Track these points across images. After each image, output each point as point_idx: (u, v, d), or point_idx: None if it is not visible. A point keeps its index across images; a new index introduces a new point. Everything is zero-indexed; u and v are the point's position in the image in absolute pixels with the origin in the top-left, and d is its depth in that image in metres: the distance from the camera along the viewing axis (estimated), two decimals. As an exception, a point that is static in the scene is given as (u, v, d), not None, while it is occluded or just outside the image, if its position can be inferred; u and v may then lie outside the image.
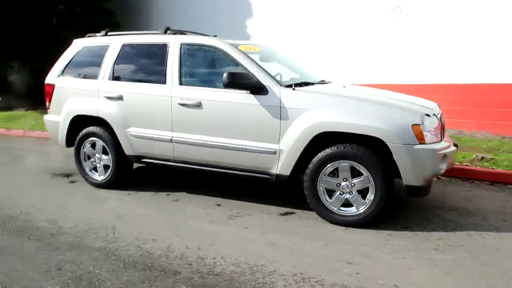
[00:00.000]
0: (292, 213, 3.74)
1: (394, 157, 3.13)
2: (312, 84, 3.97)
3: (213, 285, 2.50)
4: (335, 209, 3.41)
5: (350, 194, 3.35)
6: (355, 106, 3.36)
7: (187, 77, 3.97)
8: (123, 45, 4.32)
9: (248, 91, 3.57)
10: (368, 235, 3.22)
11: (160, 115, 4.01)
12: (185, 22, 11.86)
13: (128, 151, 4.27)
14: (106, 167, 4.50)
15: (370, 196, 3.27)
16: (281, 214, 3.71)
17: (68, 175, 5.13)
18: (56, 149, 6.79)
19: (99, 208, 3.94)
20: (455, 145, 3.59)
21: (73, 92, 4.54)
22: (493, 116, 6.63)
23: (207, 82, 4.03)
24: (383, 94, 3.98)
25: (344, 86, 4.10)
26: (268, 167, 3.62)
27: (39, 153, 6.80)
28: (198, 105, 3.81)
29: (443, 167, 3.23)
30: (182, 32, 4.20)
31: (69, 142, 4.66)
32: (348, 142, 3.31)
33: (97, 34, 4.71)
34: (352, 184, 3.33)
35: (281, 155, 3.52)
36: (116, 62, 4.32)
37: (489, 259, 2.81)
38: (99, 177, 4.54)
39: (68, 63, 4.67)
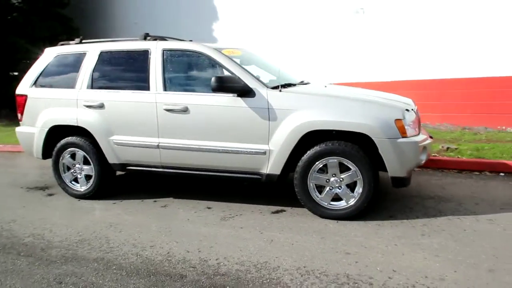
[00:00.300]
0: (282, 210, 3.85)
1: (380, 150, 3.33)
2: (295, 85, 4.10)
3: (222, 285, 2.54)
4: (326, 204, 3.56)
5: (339, 189, 3.51)
6: (340, 105, 3.53)
7: (171, 83, 3.95)
8: (101, 52, 4.23)
9: (235, 94, 3.64)
10: (359, 226, 3.40)
11: (145, 121, 3.97)
12: (149, 26, 11.71)
13: (111, 159, 4.18)
14: (87, 177, 4.38)
15: (358, 189, 3.45)
16: (273, 213, 3.81)
17: (43, 188, 4.93)
18: (26, 162, 6.56)
19: (86, 219, 3.82)
20: (431, 137, 3.87)
21: (48, 102, 4.38)
22: (454, 109, 7.14)
23: (192, 87, 4.05)
24: (363, 92, 4.19)
25: (325, 86, 4.27)
26: (258, 167, 3.71)
27: (7, 167, 6.43)
28: (185, 110, 3.82)
29: (423, 158, 3.48)
30: (162, 38, 4.18)
31: (46, 153, 4.50)
32: (335, 139, 3.49)
33: (71, 42, 4.57)
34: (341, 179, 3.49)
35: (271, 155, 3.62)
36: (95, 70, 4.22)
37: (469, 240, 3.06)
38: (80, 187, 4.41)
39: (41, 72, 4.49)
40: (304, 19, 8.40)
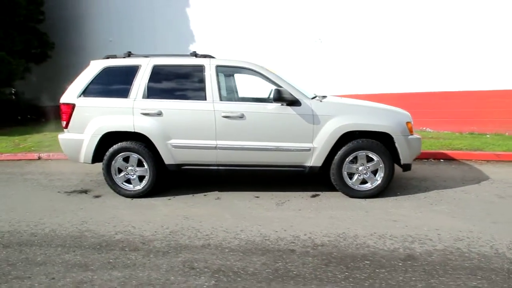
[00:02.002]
0: (317, 195, 4.04)
1: (396, 145, 3.76)
2: (326, 96, 4.32)
3: (329, 252, 2.66)
4: (356, 187, 3.88)
5: (366, 175, 3.86)
6: (367, 111, 3.89)
7: (225, 94, 3.90)
8: (154, 65, 3.95)
9: (285, 103, 3.76)
10: (384, 201, 3.77)
11: (204, 126, 3.84)
12: (125, 45, 10.85)
13: (168, 160, 3.93)
14: (140, 178, 4.04)
15: (380, 175, 3.83)
16: (311, 197, 3.99)
17: (83, 192, 4.36)
18: (40, 168, 5.68)
19: (158, 214, 3.53)
20: (418, 135, 4.46)
21: (100, 111, 3.93)
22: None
23: (244, 97, 4.02)
24: (373, 103, 4.47)
25: (341, 98, 4.58)
26: (303, 161, 3.87)
27: (27, 174, 5.45)
28: (241, 116, 3.80)
29: (420, 150, 4.02)
30: (210, 56, 4.08)
31: (95, 158, 4.03)
32: (360, 138, 3.82)
33: (118, 56, 4.16)
34: (367, 167, 3.84)
35: (314, 151, 3.81)
36: (149, 81, 3.93)
37: (464, 205, 3.59)
38: (134, 187, 4.04)
39: (89, 83, 4.00)
40: (273, 45, 8.68)
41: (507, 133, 6.81)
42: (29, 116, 11.65)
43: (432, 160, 5.63)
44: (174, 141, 3.89)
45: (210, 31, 9.53)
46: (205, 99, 3.86)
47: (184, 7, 9.67)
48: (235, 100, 3.91)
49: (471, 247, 2.70)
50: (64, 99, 4.04)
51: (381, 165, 3.80)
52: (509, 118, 6.95)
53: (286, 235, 2.99)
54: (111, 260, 2.61)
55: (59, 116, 4.22)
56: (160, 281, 2.33)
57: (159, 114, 3.85)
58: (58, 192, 4.40)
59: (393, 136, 3.74)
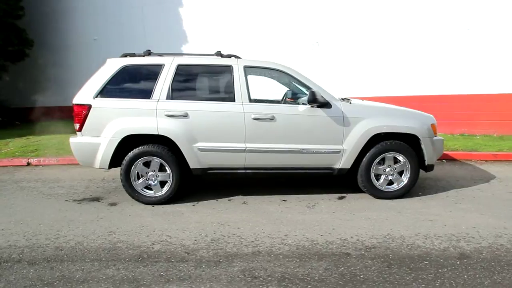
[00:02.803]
0: (343, 197, 4.03)
1: (422, 146, 3.85)
2: (349, 99, 4.29)
3: (384, 254, 2.64)
4: (383, 188, 3.91)
5: (392, 176, 3.91)
6: (395, 114, 3.95)
7: (254, 95, 3.78)
8: (178, 65, 3.75)
9: (315, 105, 3.72)
10: (411, 202, 3.84)
11: (233, 128, 3.70)
12: (113, 44, 10.34)
13: (194, 165, 3.74)
14: (161, 183, 3.81)
15: (406, 175, 3.89)
16: (338, 199, 3.97)
17: (95, 199, 4.04)
18: (33, 175, 5.23)
19: (190, 222, 3.33)
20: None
21: (120, 112, 3.67)
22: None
23: (273, 98, 3.92)
24: (396, 106, 4.47)
25: (363, 100, 4.60)
26: (332, 163, 3.84)
27: (21, 182, 4.94)
28: (272, 118, 3.70)
29: (443, 151, 4.14)
30: (236, 56, 3.95)
31: (112, 163, 3.75)
32: (385, 140, 3.86)
33: (137, 54, 3.91)
34: (394, 168, 3.89)
35: (344, 153, 3.80)
36: (174, 81, 3.72)
37: (485, 203, 3.74)
38: (155, 194, 3.80)
39: (107, 83, 3.72)
40: (270, 47, 8.63)
41: (495, 134, 7.26)
42: (0, 119, 10.73)
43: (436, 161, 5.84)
44: (200, 144, 3.71)
45: (205, 32, 9.32)
46: (234, 101, 3.72)
47: (177, 7, 9.38)
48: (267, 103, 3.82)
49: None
50: (78, 99, 3.72)
51: (407, 166, 3.87)
52: (495, 120, 7.41)
53: (333, 238, 2.94)
54: (162, 273, 2.41)
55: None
56: None
57: (185, 116, 3.66)
58: (66, 200, 4.05)
59: (419, 137, 3.82)
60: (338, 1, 8.28)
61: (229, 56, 3.94)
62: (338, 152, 3.80)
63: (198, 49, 9.40)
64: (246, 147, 3.73)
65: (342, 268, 2.46)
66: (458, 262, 2.52)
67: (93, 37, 10.29)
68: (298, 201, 3.91)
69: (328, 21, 8.32)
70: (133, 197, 3.83)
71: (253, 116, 3.69)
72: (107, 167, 3.76)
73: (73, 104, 3.75)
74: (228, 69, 3.79)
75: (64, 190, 4.46)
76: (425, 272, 2.38)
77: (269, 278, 2.34)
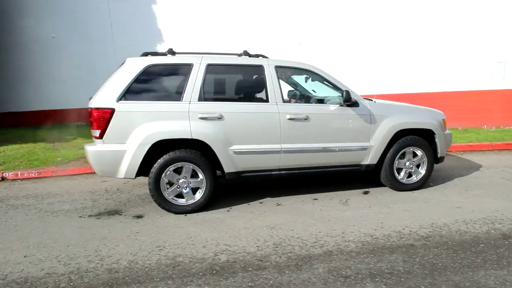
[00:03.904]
0: (368, 192, 4.21)
1: (436, 139, 4.18)
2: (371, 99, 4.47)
3: (443, 242, 2.81)
4: (404, 181, 4.17)
5: (411, 169, 4.18)
6: (413, 111, 4.22)
7: (286, 95, 3.75)
8: (208, 65, 3.56)
9: (345, 104, 3.83)
10: (428, 192, 4.13)
11: (268, 129, 3.63)
12: (75, 42, 9.38)
13: (228, 168, 3.59)
14: (193, 190, 3.60)
15: (423, 168, 4.20)
16: (364, 194, 4.13)
17: (114, 213, 3.66)
18: (18, 191, 4.59)
19: (239, 228, 3.19)
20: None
21: (148, 116, 3.37)
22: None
23: (305, 98, 3.92)
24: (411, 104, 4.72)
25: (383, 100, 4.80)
26: (360, 160, 3.98)
27: (8, 200, 4.25)
28: (306, 118, 3.72)
29: (451, 144, 4.54)
30: (263, 56, 3.87)
31: (139, 171, 3.44)
32: (406, 135, 4.12)
33: (159, 52, 3.61)
34: (413, 162, 4.17)
35: (371, 149, 3.96)
36: (204, 82, 3.53)
37: (489, 189, 4.18)
38: (186, 202, 3.57)
39: (130, 84, 3.39)
40: (251, 48, 8.59)
41: (459, 127, 8.16)
42: None
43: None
44: (236, 147, 3.58)
45: (181, 30, 8.95)
46: (268, 101, 3.66)
47: (150, 4, 8.86)
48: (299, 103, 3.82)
49: (537, 222, 3.19)
50: (98, 103, 3.33)
51: (424, 159, 4.18)
52: (456, 115, 8.31)
53: (388, 231, 3.06)
54: (250, 284, 2.28)
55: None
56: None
57: (220, 118, 3.50)
58: (80, 217, 3.60)
59: (434, 132, 4.16)
60: (319, 3, 8.58)
61: (257, 55, 3.87)
62: (366, 149, 3.96)
63: (174, 47, 9.00)
64: (281, 148, 3.70)
65: (418, 258, 2.58)
66: (506, 242, 2.81)
67: (51, 34, 9.28)
68: (329, 199, 3.98)
69: (310, 23, 8.58)
70: (163, 207, 3.55)
71: (288, 116, 3.67)
72: (133, 177, 3.44)
73: (90, 108, 3.35)
74: (259, 69, 3.71)
75: (68, 205, 3.96)
76: (488, 254, 2.61)
77: (359, 276, 2.36)
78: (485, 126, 8.36)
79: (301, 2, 8.59)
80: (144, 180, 4.82)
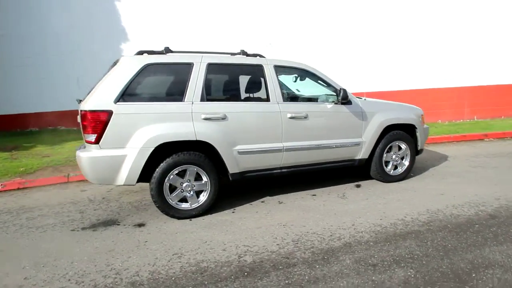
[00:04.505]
0: (359, 185, 4.43)
1: (417, 134, 4.55)
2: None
3: (444, 225, 3.08)
4: (391, 172, 4.47)
5: (397, 161, 4.50)
6: (397, 108, 4.52)
7: (286, 94, 3.80)
8: (208, 64, 3.47)
9: (340, 102, 3.99)
10: (412, 182, 4.48)
11: (271, 129, 3.65)
12: (32, 39, 8.47)
13: (233, 169, 3.54)
14: (197, 193, 3.48)
15: (406, 160, 4.54)
16: (357, 187, 4.35)
17: (110, 223, 3.40)
18: (19, 201, 4.05)
19: (251, 229, 3.17)
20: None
21: (149, 118, 3.19)
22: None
23: (291, 98, 3.99)
24: (393, 102, 5.09)
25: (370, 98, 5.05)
26: (354, 155, 4.19)
27: (11, 211, 3.66)
28: (305, 117, 3.80)
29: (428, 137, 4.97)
30: (260, 55, 3.87)
31: (140, 177, 3.24)
32: (391, 130, 4.42)
33: (155, 51, 3.43)
34: (398, 155, 4.49)
35: (363, 145, 4.19)
36: (206, 81, 3.43)
37: (480, 175, 4.64)
38: (191, 206, 3.44)
39: (129, 84, 3.17)
40: (223, 47, 8.51)
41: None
42: None
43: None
44: (240, 147, 3.54)
45: (148, 29, 8.57)
46: (269, 100, 3.68)
47: (113, 1, 8.34)
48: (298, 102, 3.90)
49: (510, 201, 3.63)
50: (94, 105, 3.07)
51: (408, 152, 4.52)
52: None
53: (392, 220, 3.26)
54: (287, 281, 2.29)
55: None
56: (368, 284, 2.24)
57: (224, 118, 3.44)
58: (72, 230, 3.28)
59: (416, 126, 4.52)
60: (290, 4, 8.79)
61: (254, 55, 3.87)
62: (358, 144, 4.17)
63: (140, 47, 8.57)
64: (283, 147, 3.75)
65: (429, 242, 2.79)
66: (496, 221, 3.16)
67: (-3, 30, 8.29)
68: (327, 194, 4.12)
69: (280, 24, 8.76)
70: (167, 213, 3.39)
71: (289, 115, 3.73)
72: (134, 183, 3.23)
73: (84, 111, 3.08)
74: (258, 68, 3.71)
75: (53, 219, 3.59)
76: (485, 233, 2.92)
77: (385, 263, 2.50)
78: (440, 121, 9.26)
79: (272, 4, 8.74)
80: (129, 187, 4.57)
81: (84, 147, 3.48)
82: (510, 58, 9.25)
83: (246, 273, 2.43)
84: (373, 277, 2.32)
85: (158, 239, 3.02)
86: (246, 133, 3.57)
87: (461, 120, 9.28)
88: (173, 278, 2.39)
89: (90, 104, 3.09)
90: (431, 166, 5.27)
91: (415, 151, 4.61)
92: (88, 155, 3.12)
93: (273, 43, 8.66)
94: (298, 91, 4.71)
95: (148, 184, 3.61)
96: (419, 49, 9.13)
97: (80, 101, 3.64)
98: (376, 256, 2.60)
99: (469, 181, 4.44)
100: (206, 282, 2.33)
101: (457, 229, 3.02)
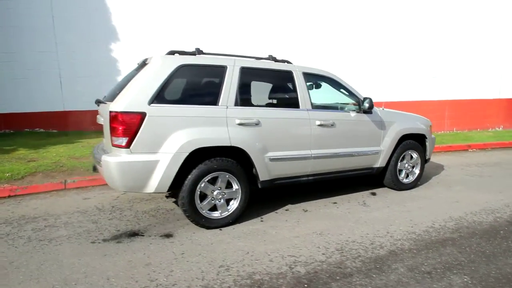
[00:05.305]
0: (375, 193, 4.52)
1: (427, 143, 4.75)
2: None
3: (472, 232, 3.21)
4: (404, 181, 4.61)
5: (409, 170, 4.65)
6: (410, 118, 4.69)
7: (315, 102, 3.80)
8: (242, 68, 3.38)
9: (361, 111, 4.07)
10: (422, 190, 4.66)
11: (301, 136, 3.63)
12: (16, 39, 7.75)
13: (263, 177, 3.45)
14: (227, 201, 3.34)
15: (417, 169, 4.71)
16: (373, 195, 4.43)
17: (132, 234, 3.16)
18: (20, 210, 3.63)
19: (290, 238, 3.09)
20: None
21: (184, 121, 3.03)
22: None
23: (330, 105, 3.99)
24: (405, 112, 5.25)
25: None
26: (373, 163, 4.27)
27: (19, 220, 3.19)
28: (332, 124, 3.82)
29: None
30: (288, 61, 3.84)
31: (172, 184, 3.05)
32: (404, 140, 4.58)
33: (187, 51, 3.27)
34: (410, 164, 4.65)
35: (382, 153, 4.29)
36: (239, 86, 3.33)
37: (484, 179, 4.93)
38: (221, 214, 3.30)
39: (163, 85, 2.98)
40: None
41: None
42: None
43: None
44: (271, 154, 3.47)
45: (140, 30, 8.24)
46: (298, 107, 3.66)
47: (103, -2, 7.94)
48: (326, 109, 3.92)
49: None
50: (125, 106, 2.85)
51: (419, 161, 4.70)
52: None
53: (423, 227, 3.34)
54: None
55: None
56: None
57: (257, 124, 3.35)
58: (93, 243, 2.99)
59: (426, 136, 4.72)
60: (287, 14, 8.90)
61: (283, 61, 3.84)
62: (377, 153, 4.27)
63: (131, 48, 8.23)
64: (311, 154, 3.73)
65: (468, 249, 2.89)
66: (515, 227, 3.37)
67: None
68: (348, 201, 4.16)
69: (277, 31, 8.84)
70: (197, 223, 3.22)
71: (318, 122, 3.73)
72: (165, 190, 3.04)
73: (114, 112, 2.85)
74: (288, 74, 3.69)
75: (64, 230, 3.26)
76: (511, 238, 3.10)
77: (438, 270, 2.54)
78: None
79: (267, 11, 8.81)
80: (136, 194, 4.32)
81: (103, 150, 3.24)
82: (485, 75, 10.05)
83: (306, 285, 2.35)
84: (434, 285, 2.35)
85: (195, 251, 2.85)
86: (278, 139, 3.51)
87: (442, 131, 9.88)
88: (231, 292, 2.26)
89: (121, 104, 2.87)
90: (433, 175, 5.52)
91: (424, 160, 4.82)
92: (118, 160, 2.88)
93: (287, 52, 8.69)
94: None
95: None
96: (404, 63, 9.64)
97: (99, 101, 3.40)
98: (426, 264, 2.64)
99: (474, 189, 4.70)
100: (269, 295, 2.23)
101: (486, 235, 3.17)
